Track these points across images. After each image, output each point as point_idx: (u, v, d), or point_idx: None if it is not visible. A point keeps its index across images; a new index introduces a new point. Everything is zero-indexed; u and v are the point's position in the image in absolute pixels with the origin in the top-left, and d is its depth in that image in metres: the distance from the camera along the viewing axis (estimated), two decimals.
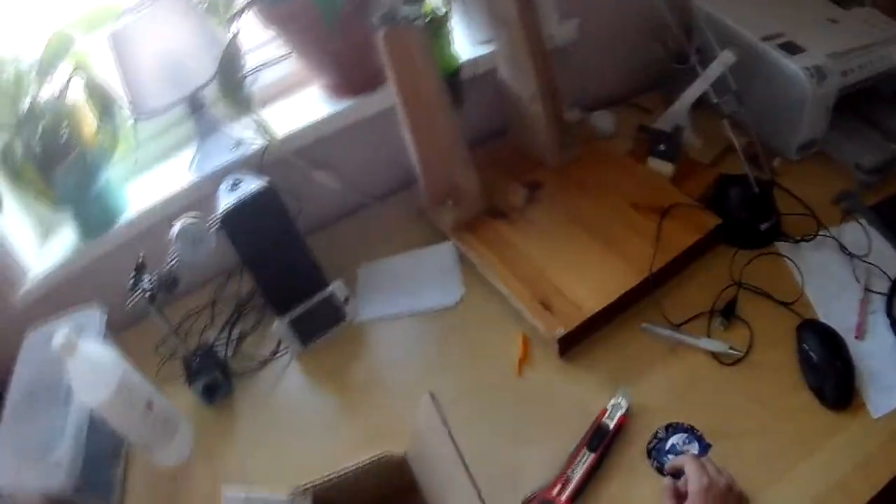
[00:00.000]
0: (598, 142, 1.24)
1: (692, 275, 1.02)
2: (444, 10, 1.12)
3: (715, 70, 1.07)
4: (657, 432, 0.84)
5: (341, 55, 1.13)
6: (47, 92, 1.05)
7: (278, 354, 1.10)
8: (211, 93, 1.13)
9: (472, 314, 1.07)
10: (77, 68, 1.06)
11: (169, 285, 0.99)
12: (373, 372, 1.04)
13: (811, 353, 0.85)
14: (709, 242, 1.03)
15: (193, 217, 0.99)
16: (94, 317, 1.06)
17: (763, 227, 1.02)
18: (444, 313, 1.08)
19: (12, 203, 1.16)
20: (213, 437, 1.02)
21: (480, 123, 1.26)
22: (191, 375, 1.05)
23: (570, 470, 0.81)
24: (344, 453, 0.78)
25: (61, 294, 1.15)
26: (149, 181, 1.23)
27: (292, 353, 1.09)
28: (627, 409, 0.86)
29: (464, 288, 1.10)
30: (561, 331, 0.93)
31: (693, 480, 0.72)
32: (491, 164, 1.20)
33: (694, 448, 0.82)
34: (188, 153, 1.20)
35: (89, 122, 1.09)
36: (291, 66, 1.23)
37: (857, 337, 0.89)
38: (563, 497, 0.79)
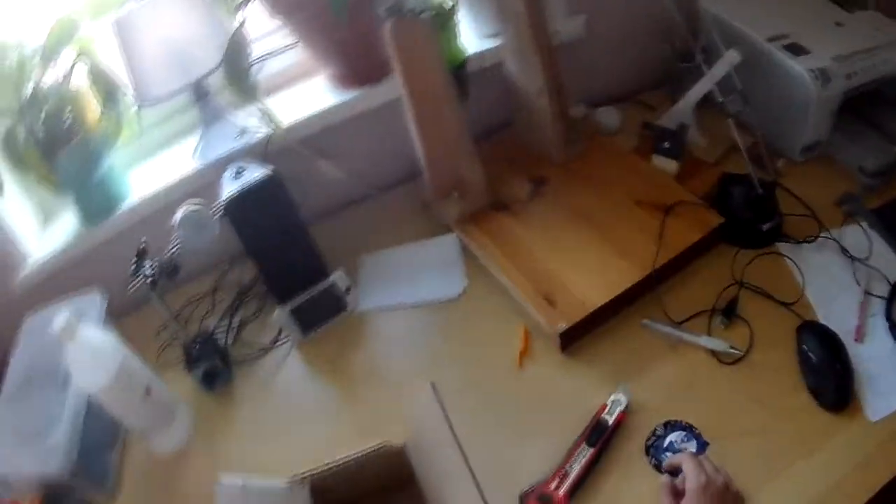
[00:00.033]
0: (602, 138, 1.24)
1: (694, 273, 1.02)
2: (450, 2, 1.12)
3: (720, 69, 1.07)
4: (655, 429, 0.85)
5: (348, 45, 1.13)
6: (51, 77, 1.04)
7: (279, 343, 1.11)
8: (216, 81, 1.13)
9: (474, 307, 1.07)
10: (81, 54, 1.06)
11: (170, 272, 0.99)
12: (373, 362, 1.05)
13: (811, 355, 0.85)
14: (711, 241, 1.03)
15: (197, 204, 0.99)
16: (95, 302, 1.06)
17: (765, 227, 1.02)
18: (446, 305, 1.08)
19: (13, 188, 1.16)
20: (211, 424, 1.02)
21: (486, 117, 1.25)
22: (191, 362, 1.05)
23: (568, 464, 0.82)
24: (343, 442, 0.78)
25: (61, 279, 1.15)
26: (152, 168, 1.22)
27: (293, 342, 1.09)
28: (627, 405, 0.86)
29: (466, 280, 1.10)
30: (563, 325, 0.93)
31: (691, 478, 0.72)
32: (496, 157, 1.20)
33: (692, 446, 0.82)
34: (192, 141, 1.20)
35: (93, 107, 1.09)
36: (297, 55, 1.23)
37: (856, 340, 0.89)
38: (561, 491, 0.80)
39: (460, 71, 1.15)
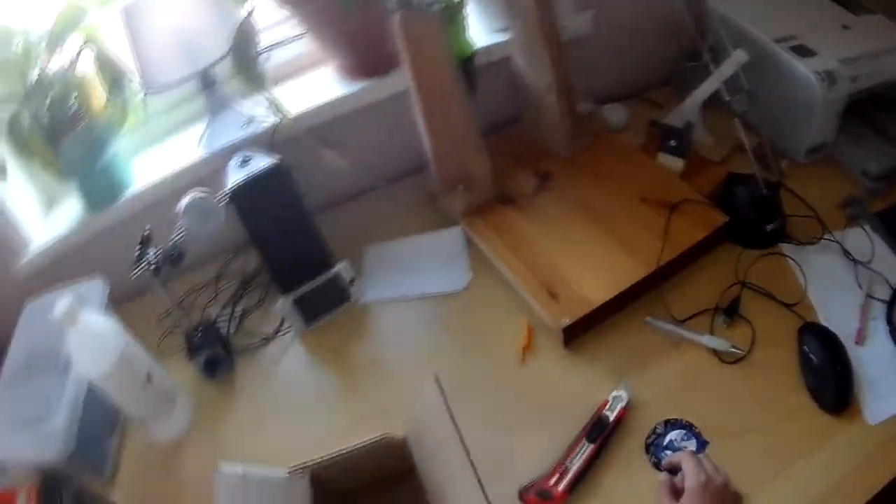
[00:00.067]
0: (609, 134, 1.24)
1: (697, 271, 1.02)
2: None
3: (728, 68, 1.08)
4: (656, 428, 0.85)
5: (356, 37, 1.12)
6: (57, 64, 1.04)
7: (281, 332, 1.11)
8: (223, 70, 1.13)
9: (478, 300, 1.07)
10: (87, 41, 1.05)
11: (174, 259, 0.99)
12: (375, 353, 1.05)
13: (811, 356, 0.86)
14: (715, 240, 1.03)
15: (202, 192, 0.99)
16: (97, 288, 1.06)
17: (769, 227, 1.03)
18: (449, 298, 1.08)
19: (17, 173, 1.15)
20: (212, 412, 1.03)
21: (493, 111, 1.25)
22: (192, 350, 1.05)
23: (568, 460, 0.82)
24: (344, 433, 0.79)
25: (64, 265, 1.16)
26: (157, 156, 1.22)
27: (295, 332, 1.09)
28: (628, 402, 0.86)
29: (471, 273, 1.10)
30: (566, 320, 0.94)
31: (690, 476, 0.72)
32: (502, 151, 1.20)
33: (692, 445, 0.82)
34: (198, 129, 1.19)
35: (98, 94, 1.09)
36: (305, 46, 1.22)
37: (856, 342, 0.89)
38: (561, 487, 0.80)
39: (468, 64, 1.14)
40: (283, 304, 1.06)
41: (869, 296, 0.94)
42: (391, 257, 1.17)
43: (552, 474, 0.81)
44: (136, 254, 0.97)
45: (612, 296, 0.96)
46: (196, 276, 1.22)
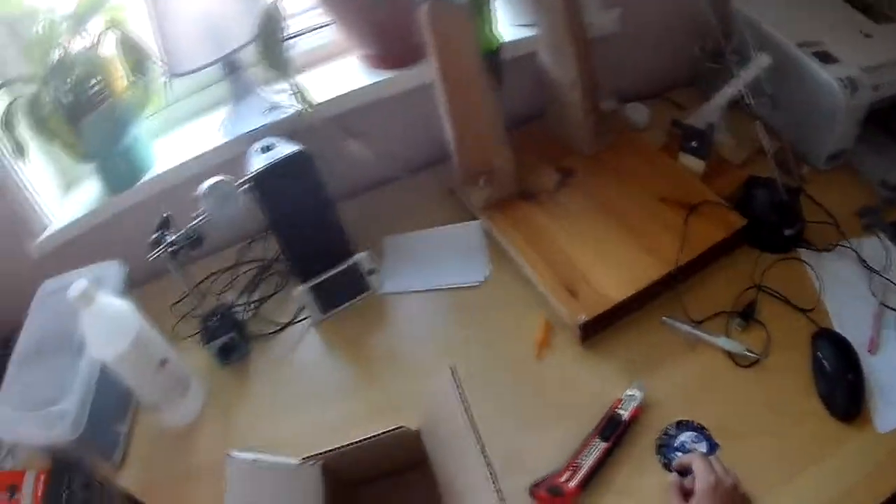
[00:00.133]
0: (631, 133, 1.24)
1: (715, 273, 1.03)
2: None
3: (751, 72, 1.07)
4: (667, 429, 0.86)
5: (383, 27, 1.12)
6: (79, 45, 1.04)
7: (297, 320, 1.11)
8: (248, 55, 1.12)
9: (496, 294, 1.07)
10: (111, 22, 1.05)
11: (193, 243, 1.00)
12: (391, 344, 1.05)
13: (825, 362, 0.86)
14: (734, 242, 1.03)
15: (224, 177, 0.99)
16: (113, 270, 1.05)
17: (787, 232, 1.03)
18: (467, 291, 1.09)
19: (36, 153, 1.15)
20: (225, 399, 1.03)
21: (517, 106, 1.25)
22: (207, 335, 1.05)
23: (580, 457, 0.82)
24: (358, 423, 0.79)
25: (81, 247, 1.16)
26: (178, 139, 1.22)
27: (312, 320, 1.10)
28: (641, 401, 0.87)
29: (490, 267, 1.10)
30: (583, 317, 0.94)
31: (701, 478, 0.73)
32: (525, 146, 1.20)
33: (702, 447, 0.83)
34: (220, 114, 1.19)
35: (121, 76, 1.09)
36: (331, 34, 1.22)
37: (869, 351, 0.89)
38: (572, 484, 0.80)
39: (494, 58, 1.14)
40: (300, 292, 1.06)
41: (883, 304, 0.94)
42: (410, 248, 1.18)
43: (564, 471, 0.81)
44: (155, 237, 0.97)
45: (629, 294, 0.96)
46: (214, 261, 1.22)
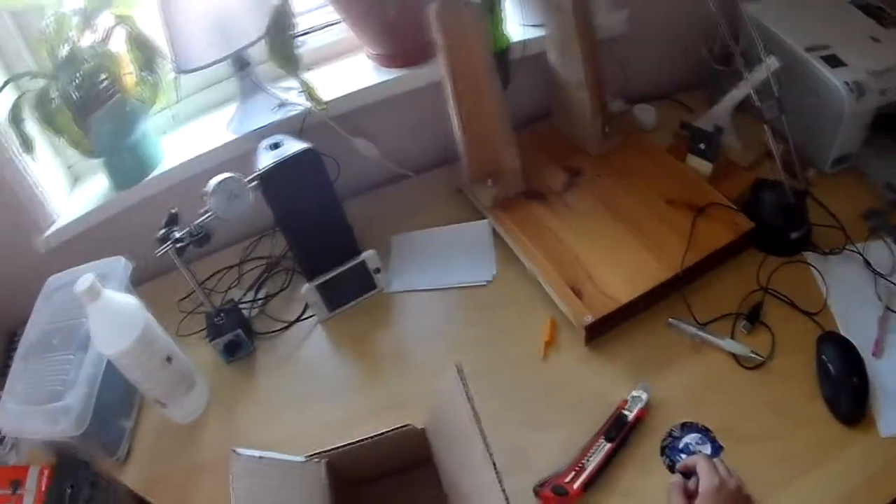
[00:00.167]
0: (639, 134, 1.25)
1: (721, 275, 1.03)
2: None
3: (760, 74, 1.07)
4: (672, 430, 0.86)
5: (393, 26, 1.12)
6: (89, 40, 1.04)
7: (304, 318, 1.11)
8: (258, 52, 1.12)
9: (503, 294, 1.07)
10: (121, 18, 1.05)
11: (200, 239, 0.99)
12: (397, 343, 1.06)
13: (829, 366, 0.86)
14: (740, 245, 1.03)
15: (232, 173, 0.99)
16: (120, 266, 1.05)
17: (794, 235, 1.03)
18: (474, 290, 1.09)
19: (43, 148, 1.15)
20: (230, 395, 1.03)
21: (525, 105, 1.25)
22: (213, 332, 1.05)
23: (585, 458, 0.82)
24: (363, 421, 0.80)
25: (87, 242, 1.16)
26: (186, 136, 1.22)
27: (318, 318, 1.10)
28: (646, 403, 0.87)
29: (497, 267, 1.11)
30: (589, 318, 0.94)
31: (705, 479, 0.73)
32: (532, 146, 1.20)
33: (707, 449, 0.83)
34: (229, 111, 1.20)
35: (130, 72, 1.09)
36: (341, 32, 1.22)
37: (874, 354, 0.89)
38: (576, 484, 0.80)
39: (503, 57, 1.14)
40: (307, 290, 1.06)
41: (888, 308, 0.94)
42: (417, 247, 1.18)
43: (569, 471, 0.82)
44: (162, 233, 0.97)
45: (635, 296, 0.96)
46: (220, 258, 1.23)
